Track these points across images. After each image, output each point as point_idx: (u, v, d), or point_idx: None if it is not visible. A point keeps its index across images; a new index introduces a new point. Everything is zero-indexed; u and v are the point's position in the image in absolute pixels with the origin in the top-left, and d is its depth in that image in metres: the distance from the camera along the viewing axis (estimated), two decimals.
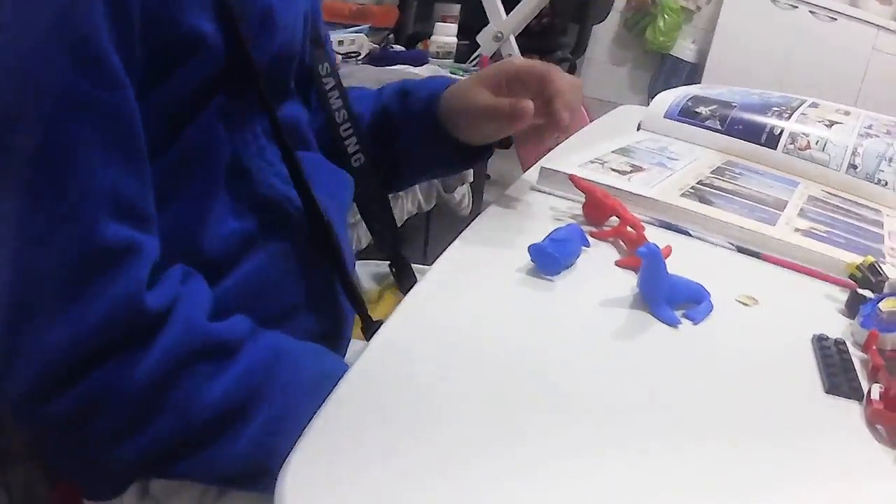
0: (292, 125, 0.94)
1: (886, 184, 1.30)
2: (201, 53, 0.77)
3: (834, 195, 1.26)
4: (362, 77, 2.15)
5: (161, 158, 0.77)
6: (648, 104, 1.56)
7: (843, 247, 0.98)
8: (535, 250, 0.80)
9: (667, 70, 5.29)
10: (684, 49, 5.25)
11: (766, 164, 1.35)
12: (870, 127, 1.40)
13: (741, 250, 0.95)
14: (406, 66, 2.82)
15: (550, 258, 0.80)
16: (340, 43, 2.73)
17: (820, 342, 0.73)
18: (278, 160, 0.85)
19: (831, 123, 1.41)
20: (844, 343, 0.73)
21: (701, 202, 1.04)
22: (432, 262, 0.82)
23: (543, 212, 0.96)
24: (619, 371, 0.67)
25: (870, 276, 0.86)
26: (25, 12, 0.69)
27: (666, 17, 5.16)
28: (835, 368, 0.69)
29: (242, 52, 0.80)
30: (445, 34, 3.09)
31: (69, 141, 0.68)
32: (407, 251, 1.12)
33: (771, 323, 0.79)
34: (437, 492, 0.50)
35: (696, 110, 1.47)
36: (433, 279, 0.79)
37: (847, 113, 1.48)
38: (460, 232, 0.90)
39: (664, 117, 1.48)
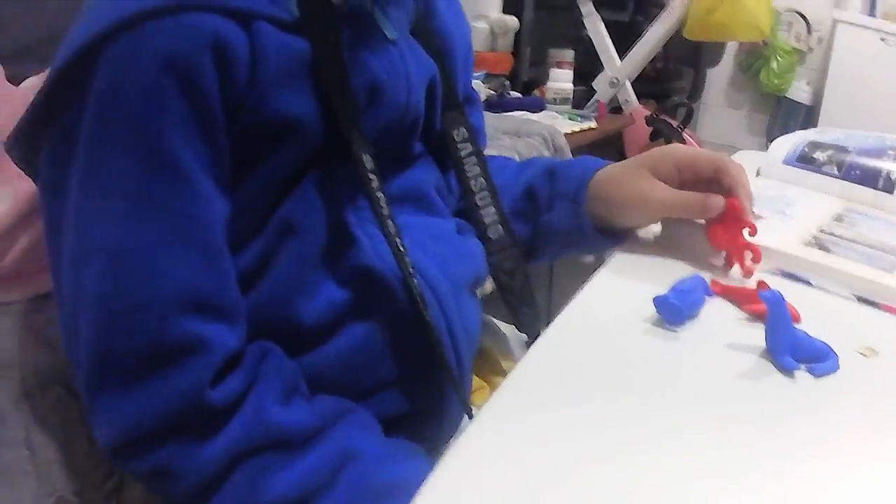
0: (414, 191, 0.94)
1: None
2: (296, 135, 0.79)
3: None
4: None
5: (261, 232, 0.81)
6: (767, 147, 1.57)
7: None
8: (659, 302, 0.83)
9: (783, 113, 5.20)
10: (799, 91, 5.14)
11: (883, 210, 1.35)
12: None
13: (861, 300, 0.96)
14: (524, 112, 2.86)
15: (674, 309, 0.82)
16: None
17: None
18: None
19: None
20: None
21: (821, 250, 1.05)
22: (556, 312, 0.84)
23: (667, 260, 0.98)
24: (739, 420, 0.69)
25: None
26: (103, 119, 0.73)
27: (779, 58, 5.08)
28: None
29: (343, 129, 0.80)
30: (561, 80, 3.13)
31: (141, 241, 0.73)
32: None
33: (891, 374, 0.80)
34: None
35: (814, 156, 1.47)
36: (559, 329, 0.82)
37: None
38: (585, 280, 0.92)
39: (783, 163, 1.49)
